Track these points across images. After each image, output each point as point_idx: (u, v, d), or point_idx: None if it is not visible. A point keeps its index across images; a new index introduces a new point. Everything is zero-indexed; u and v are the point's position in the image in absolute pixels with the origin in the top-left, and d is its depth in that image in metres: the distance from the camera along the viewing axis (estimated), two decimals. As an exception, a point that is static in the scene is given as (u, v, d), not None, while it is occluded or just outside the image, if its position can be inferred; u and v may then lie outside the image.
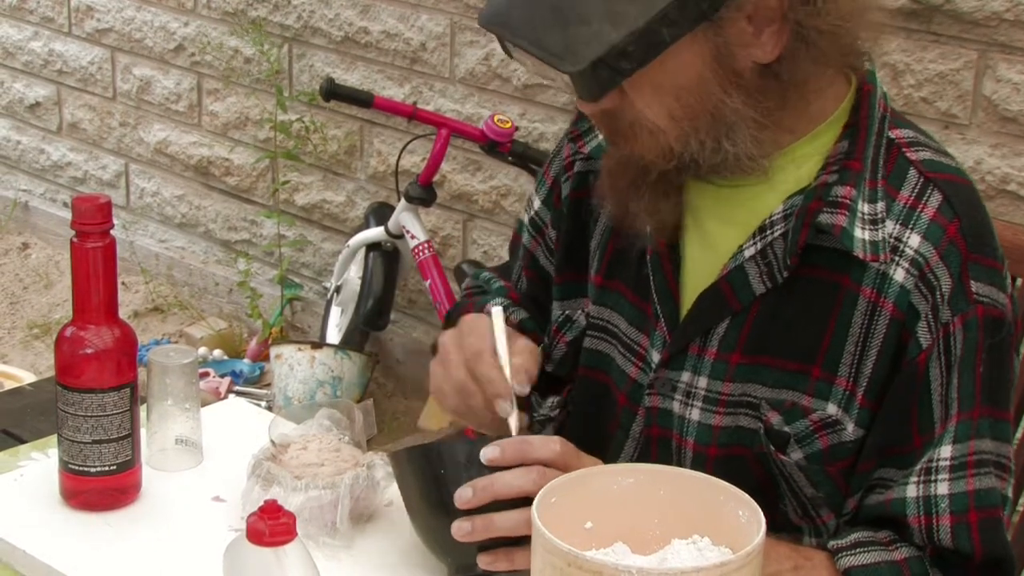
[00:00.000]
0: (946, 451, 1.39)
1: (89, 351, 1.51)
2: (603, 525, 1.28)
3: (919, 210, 1.42)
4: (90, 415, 1.52)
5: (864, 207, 1.42)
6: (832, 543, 1.41)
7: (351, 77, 3.77)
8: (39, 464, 1.66)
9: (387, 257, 3.62)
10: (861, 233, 1.41)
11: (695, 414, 1.50)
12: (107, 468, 1.54)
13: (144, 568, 1.46)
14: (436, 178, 3.43)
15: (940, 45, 2.72)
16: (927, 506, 1.38)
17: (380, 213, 3.67)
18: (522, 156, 3.25)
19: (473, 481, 1.36)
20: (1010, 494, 1.43)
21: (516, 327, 1.64)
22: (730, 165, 1.41)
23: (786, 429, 1.45)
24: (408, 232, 3.46)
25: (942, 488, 1.38)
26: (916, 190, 1.43)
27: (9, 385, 2.29)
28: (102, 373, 1.52)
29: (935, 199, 1.42)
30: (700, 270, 1.50)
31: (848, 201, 1.41)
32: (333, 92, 3.34)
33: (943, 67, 2.73)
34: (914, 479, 1.39)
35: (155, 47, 4.28)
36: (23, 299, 4.49)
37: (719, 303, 1.47)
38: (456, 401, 1.52)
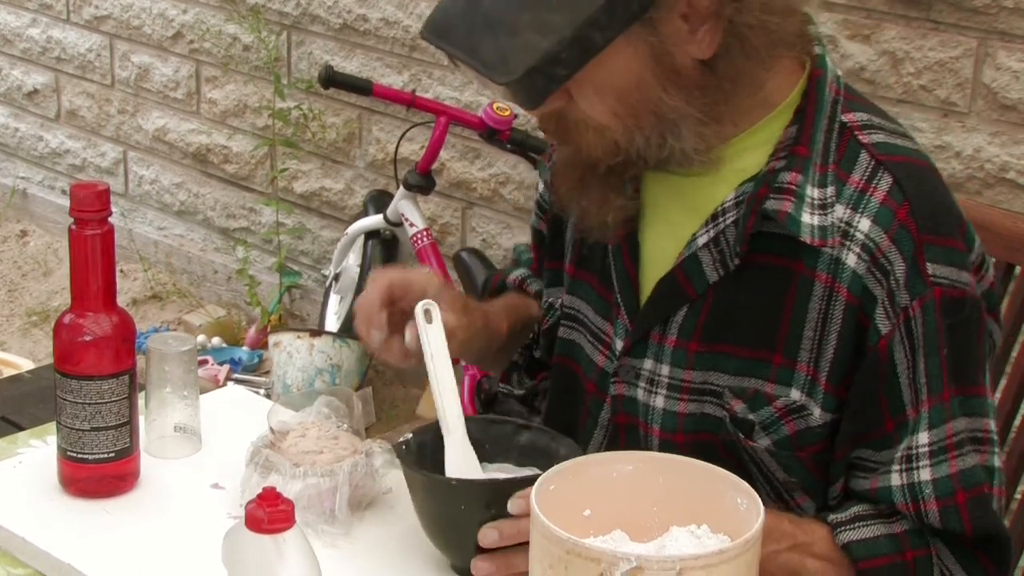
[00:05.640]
0: (923, 438, 1.39)
1: (87, 338, 1.51)
2: (601, 512, 1.28)
3: (869, 194, 1.42)
4: (88, 402, 1.52)
5: (814, 192, 1.42)
6: (832, 517, 1.42)
7: (350, 65, 3.76)
8: (38, 451, 1.66)
9: (386, 245, 3.61)
10: (810, 218, 1.41)
11: (659, 401, 1.51)
12: (105, 455, 1.54)
13: (143, 555, 1.46)
14: (435, 166, 3.43)
15: (939, 33, 2.72)
16: (912, 493, 1.39)
17: (379, 201, 3.66)
18: (521, 144, 3.25)
19: (499, 525, 1.36)
20: (997, 463, 1.43)
21: (533, 296, 1.73)
22: (677, 159, 1.43)
23: (751, 417, 1.45)
24: (407, 220, 3.45)
25: (924, 475, 1.39)
26: (867, 174, 1.43)
27: (7, 372, 2.29)
28: (100, 360, 1.52)
29: (885, 182, 1.42)
30: (659, 258, 1.51)
31: (794, 187, 1.42)
32: (332, 80, 3.33)
33: (942, 55, 2.72)
34: (896, 467, 1.40)
35: (153, 34, 4.27)
36: (21, 286, 4.48)
37: (675, 291, 1.49)
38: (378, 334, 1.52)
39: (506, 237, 3.51)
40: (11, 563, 1.48)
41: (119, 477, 1.56)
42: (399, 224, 3.50)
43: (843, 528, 1.41)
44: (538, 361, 1.72)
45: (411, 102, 3.35)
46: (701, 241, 1.46)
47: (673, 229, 1.49)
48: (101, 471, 1.55)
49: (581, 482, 1.28)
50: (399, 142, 3.53)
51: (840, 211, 1.42)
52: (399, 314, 1.54)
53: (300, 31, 3.88)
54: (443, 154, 3.51)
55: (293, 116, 3.86)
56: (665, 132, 1.40)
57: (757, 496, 1.23)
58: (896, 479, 1.40)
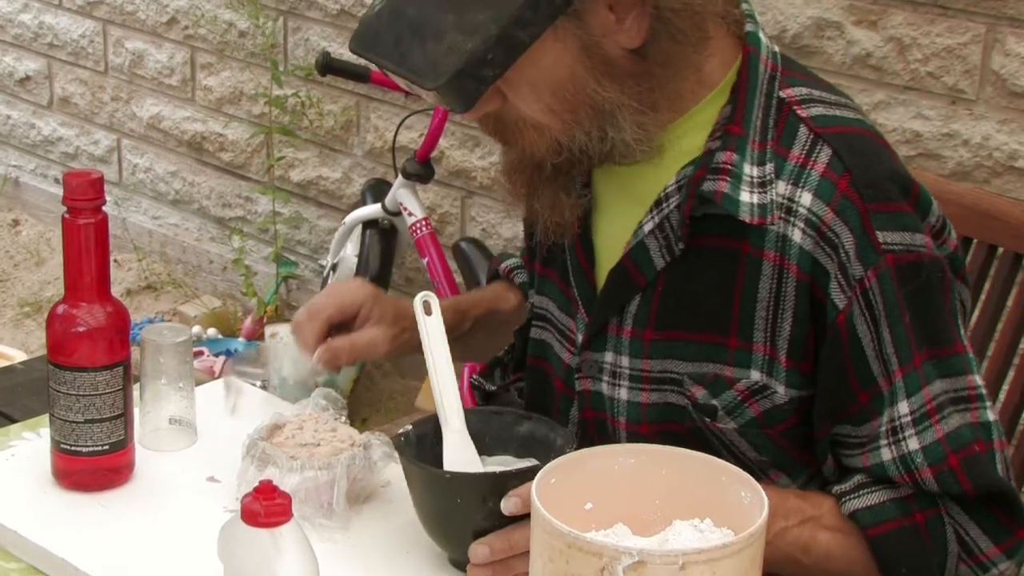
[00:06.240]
0: (903, 408, 1.40)
1: (81, 329, 1.51)
2: (603, 506, 1.28)
3: (809, 167, 1.43)
4: (82, 394, 1.52)
5: (752, 170, 1.43)
6: (836, 488, 1.44)
7: (348, 52, 3.76)
8: (30, 444, 1.66)
9: (384, 234, 3.61)
10: (749, 197, 1.43)
11: (623, 393, 1.52)
12: (100, 448, 1.54)
13: (137, 549, 1.46)
14: (434, 154, 3.43)
15: (947, 19, 2.72)
16: (905, 464, 1.40)
17: (377, 190, 3.66)
18: (521, 132, 3.24)
19: (489, 541, 1.36)
20: (991, 417, 1.42)
21: (518, 286, 1.78)
22: (620, 151, 1.44)
23: (713, 402, 1.47)
24: (405, 209, 3.45)
25: (912, 444, 1.40)
26: (806, 148, 1.44)
27: (0, 364, 2.29)
28: (94, 351, 1.52)
29: (824, 155, 1.43)
30: (612, 250, 1.52)
31: (730, 166, 1.43)
32: (329, 66, 3.33)
33: (950, 41, 2.72)
34: (884, 441, 1.41)
35: (147, 20, 4.27)
36: (14, 276, 4.48)
37: (626, 280, 1.50)
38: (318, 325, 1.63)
39: (506, 227, 3.51)
40: (4, 557, 1.48)
41: (113, 470, 1.56)
42: (398, 213, 3.50)
43: (848, 497, 1.42)
44: (524, 364, 1.73)
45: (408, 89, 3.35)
46: (647, 228, 1.48)
47: (623, 220, 1.51)
48: (95, 464, 1.55)
49: (582, 475, 1.28)
50: (397, 130, 3.52)
51: (782, 187, 1.43)
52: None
53: (297, 17, 3.88)
54: (442, 142, 3.51)
55: (290, 103, 3.86)
56: (604, 125, 1.42)
57: (761, 489, 1.23)
58: (886, 453, 1.41)
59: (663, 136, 1.45)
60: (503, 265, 1.83)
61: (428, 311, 1.51)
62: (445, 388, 1.48)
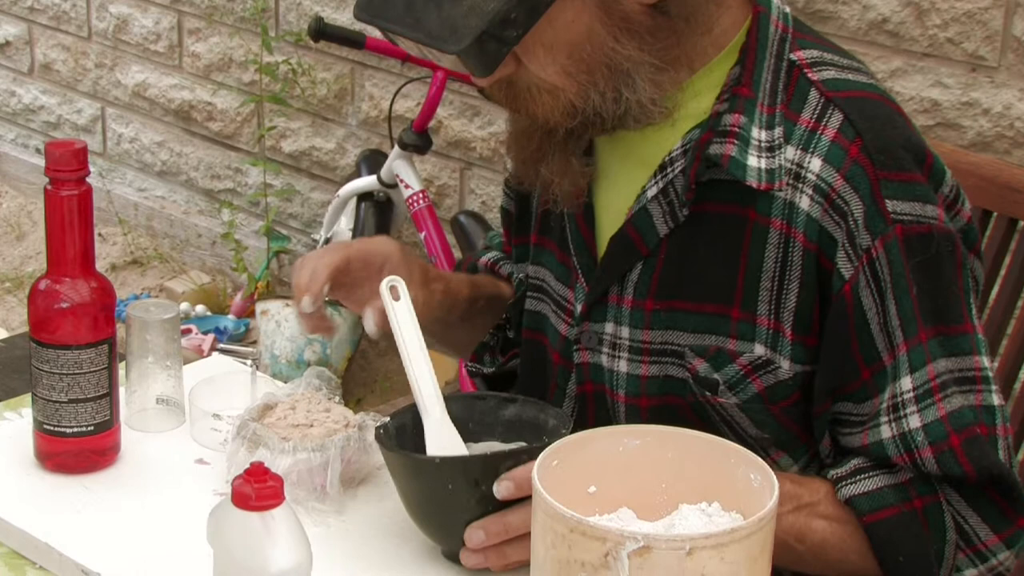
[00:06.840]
0: (906, 383, 1.40)
1: (64, 305, 1.51)
2: (607, 489, 1.29)
3: (819, 132, 1.43)
4: (66, 373, 1.52)
5: (760, 134, 1.43)
6: (832, 472, 1.44)
7: (341, 16, 3.75)
8: (12, 424, 1.66)
9: (380, 208, 3.61)
10: (757, 162, 1.42)
11: (623, 365, 1.52)
12: (84, 429, 1.54)
13: (124, 533, 1.47)
14: (432, 124, 3.42)
15: (967, -18, 2.71)
16: (905, 443, 1.40)
17: (372, 161, 3.66)
18: (522, 100, 3.23)
19: (484, 524, 1.37)
20: (995, 401, 1.42)
21: (505, 278, 1.75)
22: (634, 114, 1.44)
23: (715, 376, 1.47)
24: (402, 181, 3.45)
25: (914, 421, 1.40)
26: (816, 112, 1.44)
27: (-20, 341, 2.29)
28: (78, 328, 1.52)
29: (836, 119, 1.43)
30: (614, 217, 1.52)
31: (737, 129, 1.43)
32: (322, 32, 3.32)
33: (970, 5, 2.71)
34: (884, 419, 1.41)
35: (133, -16, 4.26)
36: (-6, 251, 4.49)
37: (628, 248, 1.50)
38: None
39: (507, 199, 3.51)
40: (-15, 542, 1.49)
41: (99, 451, 1.57)
42: (394, 185, 3.50)
43: (844, 483, 1.42)
44: (512, 341, 1.74)
45: (406, 56, 3.34)
46: (650, 193, 1.48)
47: (626, 186, 1.51)
48: (79, 445, 1.55)
49: (586, 457, 1.28)
50: (394, 98, 3.52)
51: (790, 152, 1.43)
52: (348, 286, 1.56)
53: (288, -20, 3.87)
54: (440, 111, 3.51)
55: (281, 71, 3.85)
56: (619, 85, 1.41)
57: (771, 471, 1.23)
58: (886, 431, 1.41)
59: (678, 96, 1.45)
60: (484, 259, 1.81)
61: (396, 296, 1.49)
62: (421, 376, 1.47)
